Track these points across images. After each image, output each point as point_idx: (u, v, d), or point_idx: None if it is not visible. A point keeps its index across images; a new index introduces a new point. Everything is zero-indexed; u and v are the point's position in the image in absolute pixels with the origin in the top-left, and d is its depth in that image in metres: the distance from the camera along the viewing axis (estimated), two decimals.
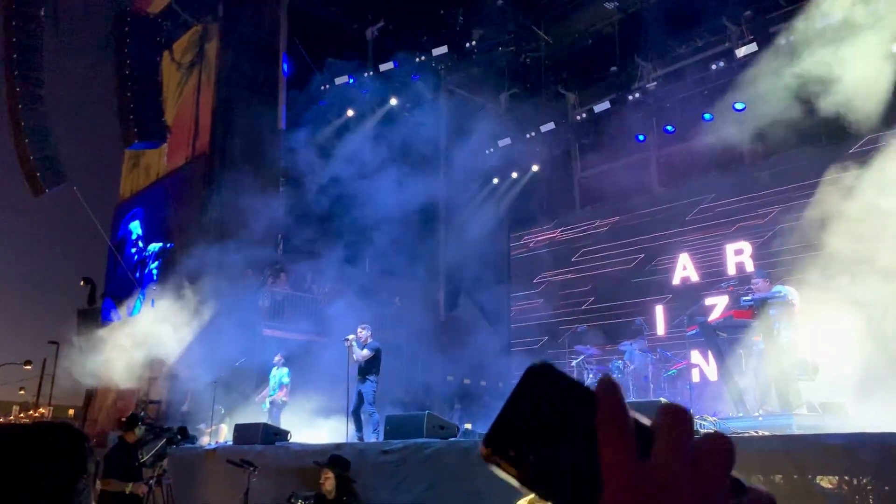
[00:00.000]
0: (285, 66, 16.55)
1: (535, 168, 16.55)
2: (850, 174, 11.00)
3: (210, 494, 8.71)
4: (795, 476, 4.38)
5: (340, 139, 16.19)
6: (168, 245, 16.95)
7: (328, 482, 5.98)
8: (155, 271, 17.36)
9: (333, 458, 6.25)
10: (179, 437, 9.77)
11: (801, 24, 11.71)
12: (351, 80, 15.81)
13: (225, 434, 11.83)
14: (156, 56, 18.03)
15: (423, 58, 15.60)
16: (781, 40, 12.02)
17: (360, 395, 10.57)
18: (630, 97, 14.08)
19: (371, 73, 15.96)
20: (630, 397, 11.00)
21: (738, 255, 12.90)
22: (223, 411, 12.32)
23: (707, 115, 13.30)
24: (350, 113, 16.18)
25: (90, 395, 18.29)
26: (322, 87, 15.94)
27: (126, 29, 17.10)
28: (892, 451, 4.13)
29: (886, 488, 4.06)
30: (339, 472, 5.97)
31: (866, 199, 10.44)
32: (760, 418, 7.49)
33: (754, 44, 12.36)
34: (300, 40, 16.59)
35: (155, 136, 17.67)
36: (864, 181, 10.66)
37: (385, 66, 15.77)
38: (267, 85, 16.25)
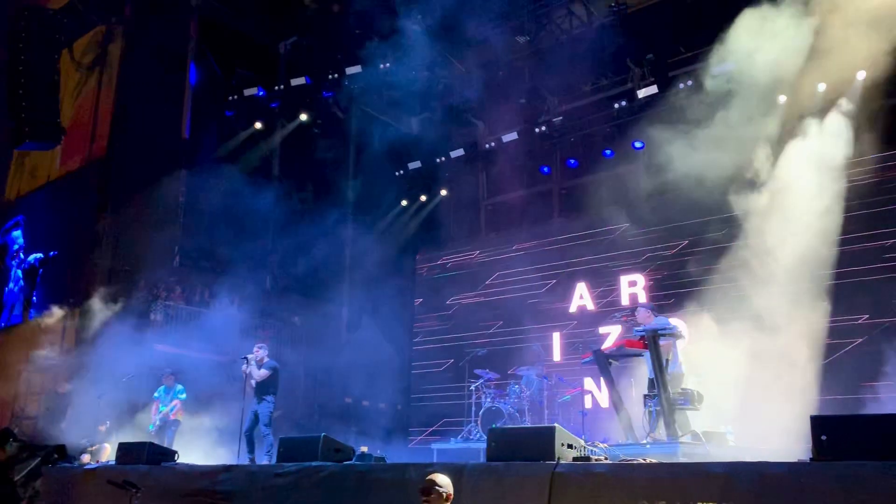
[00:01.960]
0: (192, 74, 16.10)
1: (443, 192, 16.71)
2: (740, 213, 11.69)
3: None
4: (680, 502, 4.56)
5: (246, 151, 15.86)
6: (52, 253, 16.03)
7: None
8: (36, 279, 16.38)
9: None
10: (56, 455, 9.24)
11: (699, 70, 12.42)
12: (261, 93, 15.56)
13: (108, 454, 11.24)
14: (54, 54, 17.16)
15: (336, 76, 15.53)
16: (680, 84, 12.70)
17: (255, 416, 10.30)
18: (537, 129, 14.48)
19: (282, 87, 15.75)
20: (525, 422, 11.21)
21: (632, 286, 13.41)
22: (105, 428, 11.68)
23: (608, 152, 13.84)
24: (258, 126, 15.89)
25: None
26: (230, 98, 15.61)
27: (23, 23, 16.21)
28: (768, 480, 4.37)
29: None
30: None
31: (755, 237, 11.12)
32: (648, 446, 7.78)
33: (654, 86, 12.99)
34: (210, 48, 16.20)
35: (49, 137, 16.74)
36: (753, 220, 11.36)
37: (297, 81, 15.60)
38: (171, 92, 15.73)
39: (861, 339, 10.68)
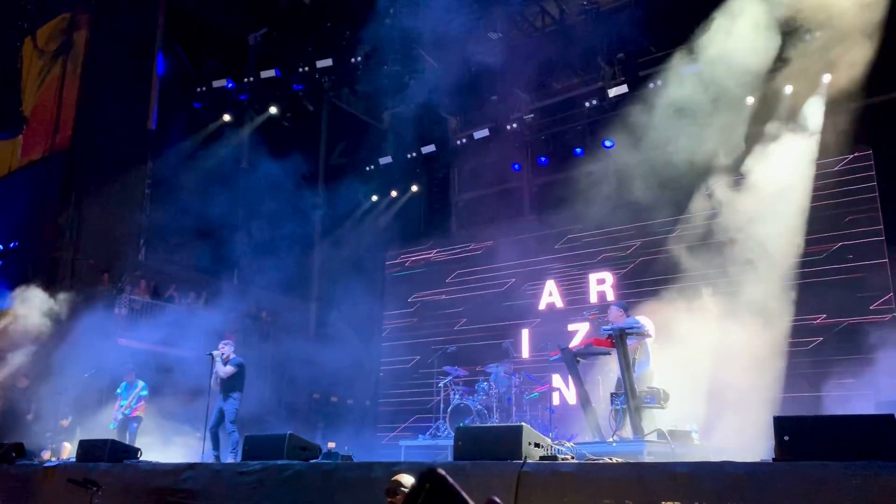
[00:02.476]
0: (160, 64, 15.84)
1: (414, 188, 16.65)
2: (708, 213, 11.84)
3: None
4: (645, 501, 4.59)
5: (214, 144, 15.65)
6: (12, 245, 15.66)
7: None
8: None
9: None
10: (14, 454, 9.03)
11: (668, 70, 12.53)
12: (230, 85, 15.35)
13: (69, 451, 11.04)
14: (17, 41, 16.76)
15: (306, 69, 15.37)
16: (650, 84, 12.80)
17: (221, 413, 10.18)
18: (508, 127, 14.49)
19: (251, 79, 15.55)
20: (494, 419, 11.22)
21: (601, 284, 13.50)
22: (66, 424, 11.46)
23: (578, 150, 13.89)
24: (226, 118, 15.68)
25: None
26: (198, 90, 15.38)
27: None
28: (731, 479, 4.42)
29: None
30: None
31: (722, 237, 11.26)
32: (614, 444, 7.83)
33: (625, 85, 13.06)
34: (178, 39, 15.95)
35: (10, 126, 16.37)
36: (721, 220, 11.51)
37: (266, 74, 15.41)
38: (138, 82, 15.46)
39: (822, 338, 10.86)
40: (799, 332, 10.83)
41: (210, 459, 9.63)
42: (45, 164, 16.04)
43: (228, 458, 9.58)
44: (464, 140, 15.53)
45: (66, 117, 15.85)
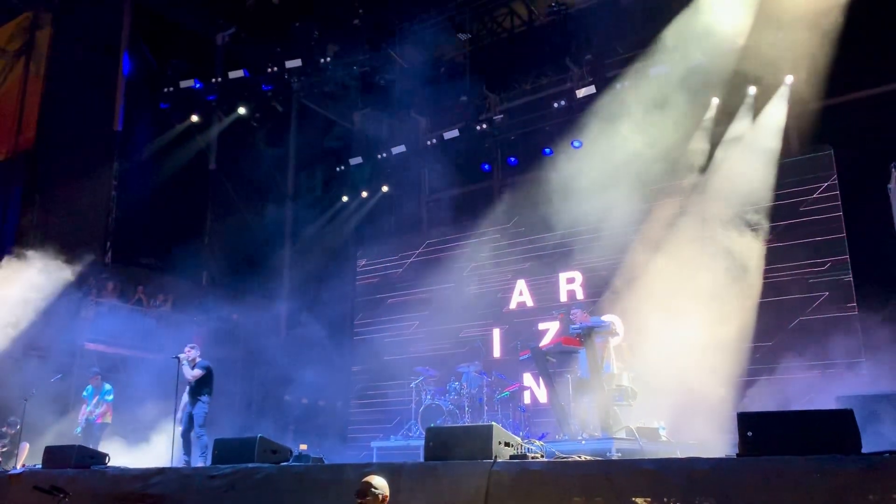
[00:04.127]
0: (125, 64, 15.62)
1: (384, 189, 16.64)
2: (674, 211, 12.00)
3: None
4: (614, 497, 4.66)
5: (182, 145, 15.48)
6: None
7: None
8: None
9: None
10: None
11: (635, 71, 12.70)
12: (197, 85, 15.18)
13: (27, 453, 10.88)
14: None
15: (275, 69, 15.27)
16: (617, 85, 12.95)
17: (190, 417, 10.08)
18: (477, 127, 14.54)
19: (219, 79, 15.41)
20: (465, 418, 11.27)
21: (570, 283, 13.61)
22: (19, 426, 11.19)
23: (547, 150, 13.99)
24: (194, 118, 15.52)
25: None
26: (165, 90, 15.20)
27: None
28: (695, 475, 4.51)
29: None
30: None
31: (689, 235, 11.43)
32: (583, 442, 7.93)
33: (593, 86, 13.19)
34: (144, 38, 15.75)
35: None
36: (687, 218, 11.68)
37: (235, 74, 15.28)
38: (104, 82, 15.23)
39: (784, 335, 11.07)
40: (762, 328, 11.03)
41: (180, 464, 9.54)
42: (9, 165, 15.73)
43: (198, 463, 9.50)
44: (434, 140, 15.54)
45: (30, 118, 15.55)
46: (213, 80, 15.36)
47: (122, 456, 9.52)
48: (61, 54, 15.21)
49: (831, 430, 4.42)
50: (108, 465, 8.13)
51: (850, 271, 10.91)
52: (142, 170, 14.42)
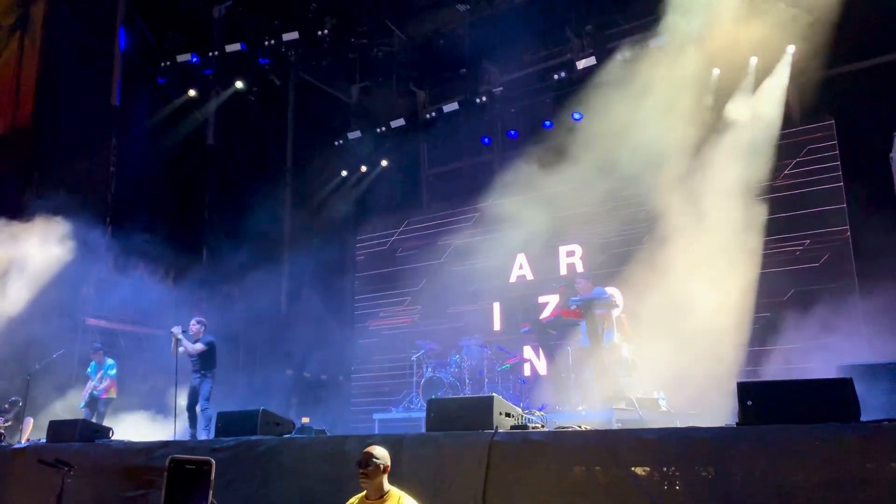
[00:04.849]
0: (121, 39, 15.47)
1: (384, 163, 16.56)
2: (675, 182, 11.94)
3: (18, 498, 8.00)
4: (614, 466, 4.70)
5: (180, 120, 15.38)
6: None
7: None
8: None
9: None
10: None
11: (636, 42, 12.58)
12: (194, 59, 15.05)
13: (31, 427, 10.97)
14: None
15: (272, 42, 15.10)
16: (618, 56, 12.83)
17: (195, 391, 10.16)
18: (477, 100, 14.44)
19: (217, 53, 15.26)
20: (466, 391, 11.34)
21: (570, 256, 13.62)
22: (22, 403, 11.28)
23: (547, 123, 13.91)
24: (192, 93, 15.39)
25: None
26: (162, 64, 15.06)
27: None
28: (695, 444, 4.54)
29: (689, 475, 4.46)
30: None
31: (688, 206, 11.40)
32: (584, 412, 7.98)
33: (593, 57, 13.06)
34: (139, 12, 15.57)
35: None
36: (686, 189, 11.64)
37: (232, 48, 15.11)
38: (100, 57, 15.09)
39: (784, 305, 11.09)
40: (762, 299, 11.06)
41: (186, 437, 9.63)
42: (7, 142, 15.65)
43: (202, 436, 9.58)
44: (433, 114, 15.43)
45: (27, 94, 15.44)
46: (210, 53, 15.21)
47: (125, 430, 9.59)
48: (57, 29, 15.05)
49: (831, 399, 4.44)
50: (112, 438, 8.20)
51: (851, 242, 10.92)
52: (140, 145, 14.33)
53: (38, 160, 14.30)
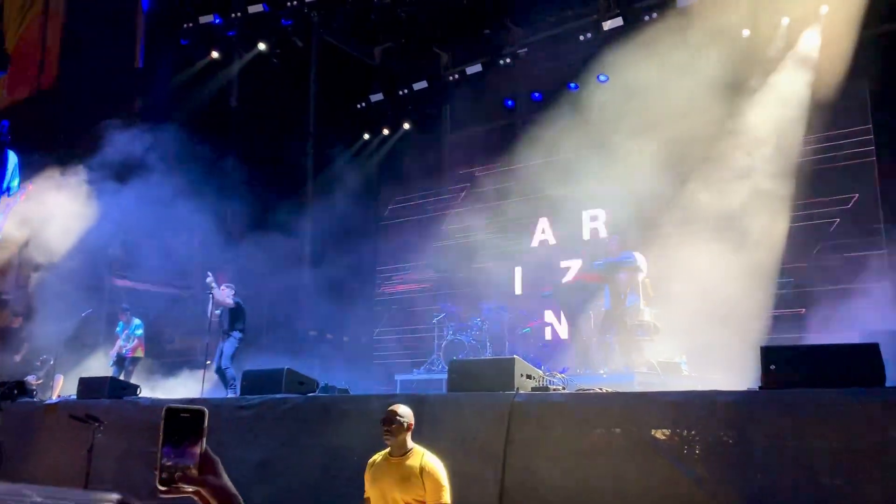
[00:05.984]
0: (145, 0, 15.42)
1: (406, 126, 16.48)
2: (702, 146, 11.75)
3: (50, 452, 8.24)
4: (633, 429, 4.71)
5: (203, 82, 15.37)
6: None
7: None
8: None
9: None
10: (16, 391, 9.18)
11: (664, 2, 12.30)
12: (217, 20, 14.98)
13: (62, 385, 11.24)
14: None
15: (294, 2, 14.98)
16: (645, 16, 12.56)
17: (221, 352, 10.34)
18: (501, 62, 14.25)
19: (239, 14, 15.17)
20: (487, 354, 11.40)
21: (594, 221, 13.52)
22: (52, 362, 11.55)
23: (573, 85, 13.71)
24: (215, 55, 15.35)
25: None
26: (185, 26, 15.01)
27: None
28: (714, 406, 4.54)
29: (709, 438, 4.46)
30: None
31: (715, 171, 11.25)
32: (605, 375, 7.99)
33: (620, 18, 12.80)
34: None
35: None
36: (714, 153, 11.47)
37: (254, 8, 15.01)
38: (123, 19, 15.09)
39: (809, 269, 10.96)
40: (788, 264, 10.94)
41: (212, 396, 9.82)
42: (32, 104, 15.80)
43: (228, 394, 9.76)
44: (456, 76, 15.28)
45: (51, 56, 15.53)
46: (233, 14, 15.13)
47: (152, 388, 9.79)
48: None
49: (856, 364, 4.41)
50: (140, 395, 8.38)
51: (880, 208, 10.73)
52: (163, 107, 14.36)
53: (63, 121, 14.41)
